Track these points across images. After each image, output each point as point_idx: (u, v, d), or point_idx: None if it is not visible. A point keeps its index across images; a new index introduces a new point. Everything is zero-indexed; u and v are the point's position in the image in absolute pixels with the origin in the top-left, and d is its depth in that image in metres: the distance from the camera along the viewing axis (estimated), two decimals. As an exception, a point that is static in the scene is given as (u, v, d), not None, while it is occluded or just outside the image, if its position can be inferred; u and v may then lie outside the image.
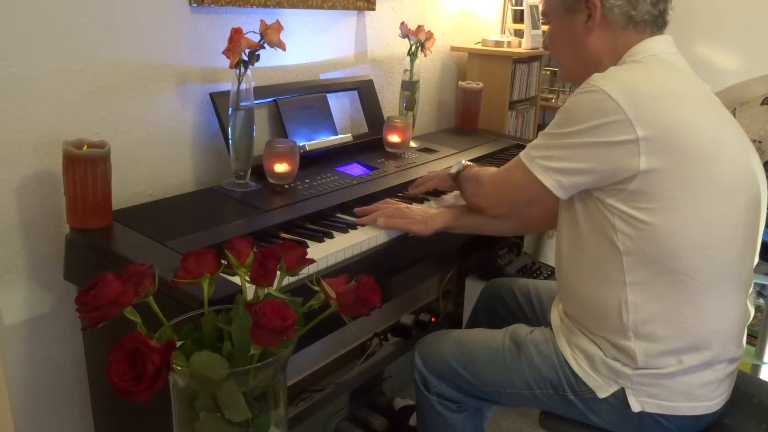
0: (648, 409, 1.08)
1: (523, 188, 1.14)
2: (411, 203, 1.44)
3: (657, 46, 1.11)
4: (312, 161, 1.61)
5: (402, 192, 1.54)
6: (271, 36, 1.34)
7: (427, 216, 1.33)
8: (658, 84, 1.04)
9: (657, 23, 1.12)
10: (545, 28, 1.32)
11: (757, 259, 1.13)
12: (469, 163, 1.40)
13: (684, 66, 1.11)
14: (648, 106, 0.99)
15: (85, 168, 1.15)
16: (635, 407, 1.08)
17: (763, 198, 1.10)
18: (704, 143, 1.00)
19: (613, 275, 1.06)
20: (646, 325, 1.05)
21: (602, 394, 1.10)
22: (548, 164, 1.07)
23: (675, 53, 1.12)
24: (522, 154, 1.13)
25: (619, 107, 0.98)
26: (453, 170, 1.40)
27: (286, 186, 1.45)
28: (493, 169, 1.29)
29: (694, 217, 1.00)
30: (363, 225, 1.32)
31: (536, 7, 2.33)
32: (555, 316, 1.23)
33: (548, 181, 1.07)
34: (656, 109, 0.99)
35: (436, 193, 1.54)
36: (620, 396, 1.09)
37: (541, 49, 2.28)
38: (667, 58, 1.10)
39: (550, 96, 2.72)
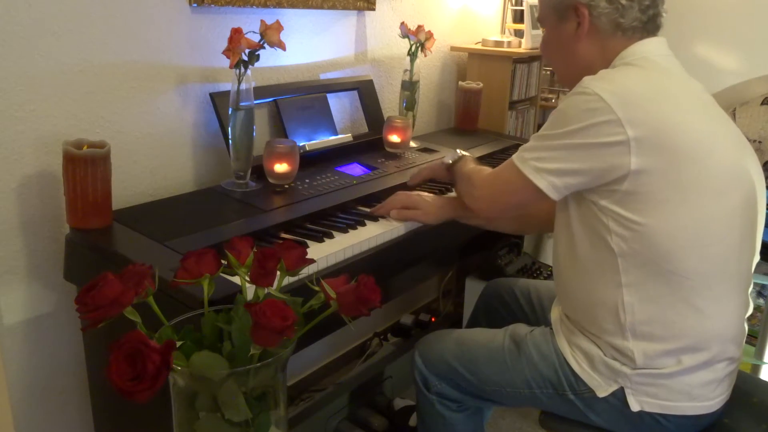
0: (647, 409, 1.08)
1: (516, 191, 1.13)
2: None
3: (648, 48, 1.11)
4: (312, 161, 1.61)
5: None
6: (271, 36, 1.33)
7: (437, 205, 1.36)
8: (649, 85, 1.05)
9: (647, 28, 1.13)
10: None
11: (758, 259, 1.13)
12: (466, 153, 1.39)
13: (676, 67, 1.12)
14: (638, 107, 0.99)
15: (85, 168, 1.15)
16: (634, 407, 1.08)
17: (760, 197, 1.10)
18: (694, 144, 1.01)
19: (609, 277, 1.06)
20: (643, 326, 1.05)
21: (602, 394, 1.11)
22: (541, 165, 1.07)
23: (667, 55, 1.13)
24: (514, 157, 1.13)
25: (610, 108, 0.99)
26: (448, 160, 1.39)
27: (286, 186, 1.45)
28: (486, 170, 1.28)
29: (686, 218, 1.01)
30: (380, 217, 1.37)
31: (536, 7, 2.32)
32: (555, 316, 1.23)
33: (541, 182, 1.07)
34: (647, 109, 1.00)
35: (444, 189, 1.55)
36: (620, 395, 1.09)
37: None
38: (659, 60, 1.11)
39: (550, 96, 2.72)
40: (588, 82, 1.04)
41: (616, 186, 1.01)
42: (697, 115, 1.05)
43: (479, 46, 2.29)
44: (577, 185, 1.06)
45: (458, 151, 1.40)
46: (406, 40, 1.89)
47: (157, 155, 1.43)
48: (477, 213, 1.28)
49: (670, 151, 0.99)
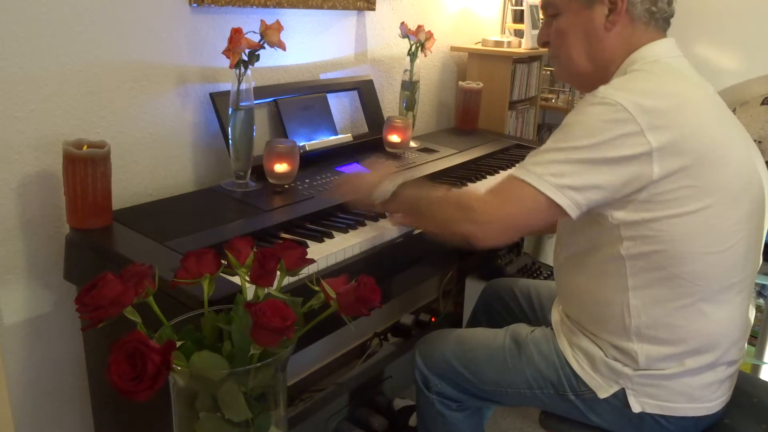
0: (648, 410, 1.08)
1: (532, 212, 1.01)
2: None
3: (659, 50, 1.08)
4: (312, 161, 1.61)
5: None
6: (271, 36, 1.33)
7: (375, 186, 1.23)
8: (666, 91, 1.01)
9: (669, 22, 1.11)
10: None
11: (761, 262, 1.13)
12: (400, 181, 1.23)
13: (687, 68, 1.09)
14: (659, 115, 0.96)
15: (85, 168, 1.15)
16: (635, 408, 1.08)
17: (767, 201, 1.09)
18: (711, 148, 0.99)
19: (615, 280, 1.05)
20: (648, 329, 1.05)
21: (603, 395, 1.10)
22: (561, 181, 0.98)
23: (678, 56, 1.10)
24: (522, 175, 1.00)
25: (633, 118, 0.95)
26: (389, 189, 1.22)
27: (286, 186, 1.45)
28: (473, 191, 1.13)
29: (699, 223, 0.99)
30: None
31: (536, 7, 2.33)
32: (555, 316, 1.22)
33: (563, 200, 0.97)
34: (667, 117, 0.97)
35: None
36: (621, 396, 1.09)
37: (540, 49, 2.28)
38: (670, 62, 1.08)
39: (550, 96, 2.72)
40: (605, 91, 0.99)
41: (634, 195, 0.98)
42: (713, 119, 1.03)
43: (479, 46, 2.28)
44: (598, 201, 0.99)
45: (387, 186, 1.22)
46: (406, 40, 1.89)
47: (157, 155, 1.43)
48: (483, 240, 1.05)
49: (689, 157, 0.96)
